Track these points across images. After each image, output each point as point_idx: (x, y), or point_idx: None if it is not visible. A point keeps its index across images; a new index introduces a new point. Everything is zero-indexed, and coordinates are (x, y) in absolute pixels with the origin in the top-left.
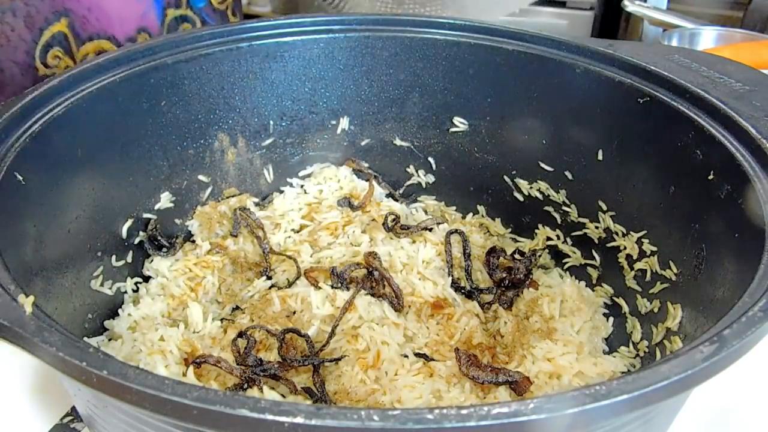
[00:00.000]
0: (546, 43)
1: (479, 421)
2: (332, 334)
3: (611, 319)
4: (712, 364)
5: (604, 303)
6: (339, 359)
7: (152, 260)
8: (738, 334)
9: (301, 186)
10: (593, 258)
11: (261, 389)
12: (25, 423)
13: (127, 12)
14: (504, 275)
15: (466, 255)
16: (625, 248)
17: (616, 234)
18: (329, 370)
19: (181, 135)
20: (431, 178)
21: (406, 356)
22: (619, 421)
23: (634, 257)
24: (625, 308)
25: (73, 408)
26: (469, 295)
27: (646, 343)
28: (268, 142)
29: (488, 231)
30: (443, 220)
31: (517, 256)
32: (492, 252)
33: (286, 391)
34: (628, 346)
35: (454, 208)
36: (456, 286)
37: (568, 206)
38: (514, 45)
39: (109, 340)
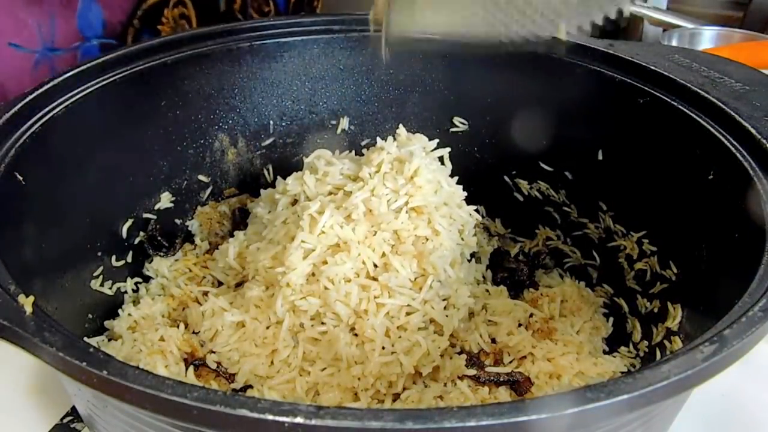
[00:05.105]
0: (546, 43)
1: (479, 421)
2: None
3: (611, 319)
4: (712, 364)
5: (604, 303)
6: None
7: (152, 260)
8: (738, 334)
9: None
10: (593, 258)
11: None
12: (25, 423)
13: None
14: (506, 275)
15: None
16: (625, 248)
17: (616, 234)
18: None
19: (181, 135)
20: None
21: None
22: (619, 421)
23: (634, 257)
24: (625, 308)
25: (73, 408)
26: None
27: (646, 343)
28: (268, 142)
29: (488, 231)
30: None
31: (521, 257)
32: (496, 254)
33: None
34: (628, 346)
35: None
36: None
37: (568, 206)
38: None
39: (109, 340)
